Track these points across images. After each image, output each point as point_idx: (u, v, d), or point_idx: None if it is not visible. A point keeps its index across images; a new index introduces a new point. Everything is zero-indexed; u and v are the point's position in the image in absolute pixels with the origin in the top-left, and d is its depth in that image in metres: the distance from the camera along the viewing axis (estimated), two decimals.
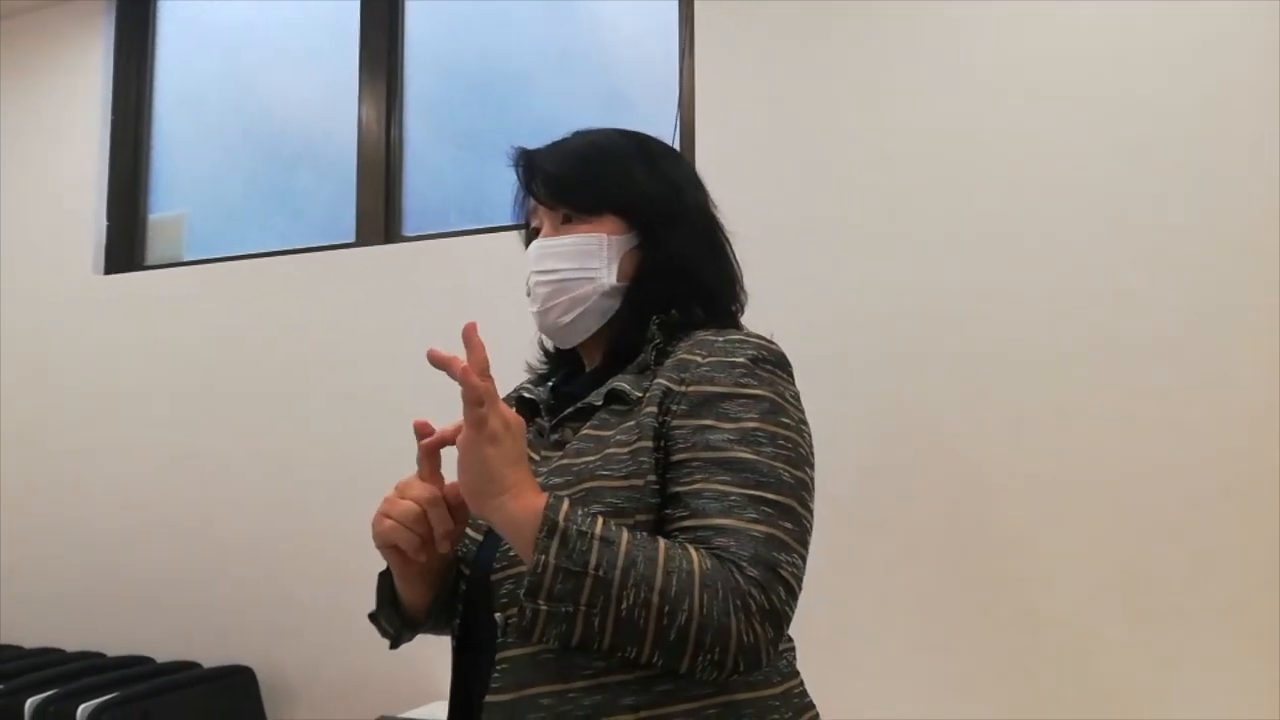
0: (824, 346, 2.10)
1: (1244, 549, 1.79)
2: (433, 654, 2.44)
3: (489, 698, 0.92)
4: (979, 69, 2.08)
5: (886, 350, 2.09)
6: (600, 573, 0.83)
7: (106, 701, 2.26)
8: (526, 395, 1.13)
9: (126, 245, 3.17)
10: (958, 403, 2.02)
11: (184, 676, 2.54)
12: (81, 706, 2.24)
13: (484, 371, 0.86)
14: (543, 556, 0.84)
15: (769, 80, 2.28)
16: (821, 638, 2.11)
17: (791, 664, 1.02)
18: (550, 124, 2.61)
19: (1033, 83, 2.03)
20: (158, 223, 3.21)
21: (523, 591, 0.84)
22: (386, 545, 0.98)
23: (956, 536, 2.00)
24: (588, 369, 1.12)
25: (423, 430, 0.95)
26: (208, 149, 3.18)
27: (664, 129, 2.43)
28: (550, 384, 1.16)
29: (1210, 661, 1.80)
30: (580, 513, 0.87)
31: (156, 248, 3.20)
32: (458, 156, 2.83)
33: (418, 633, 1.09)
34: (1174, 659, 1.82)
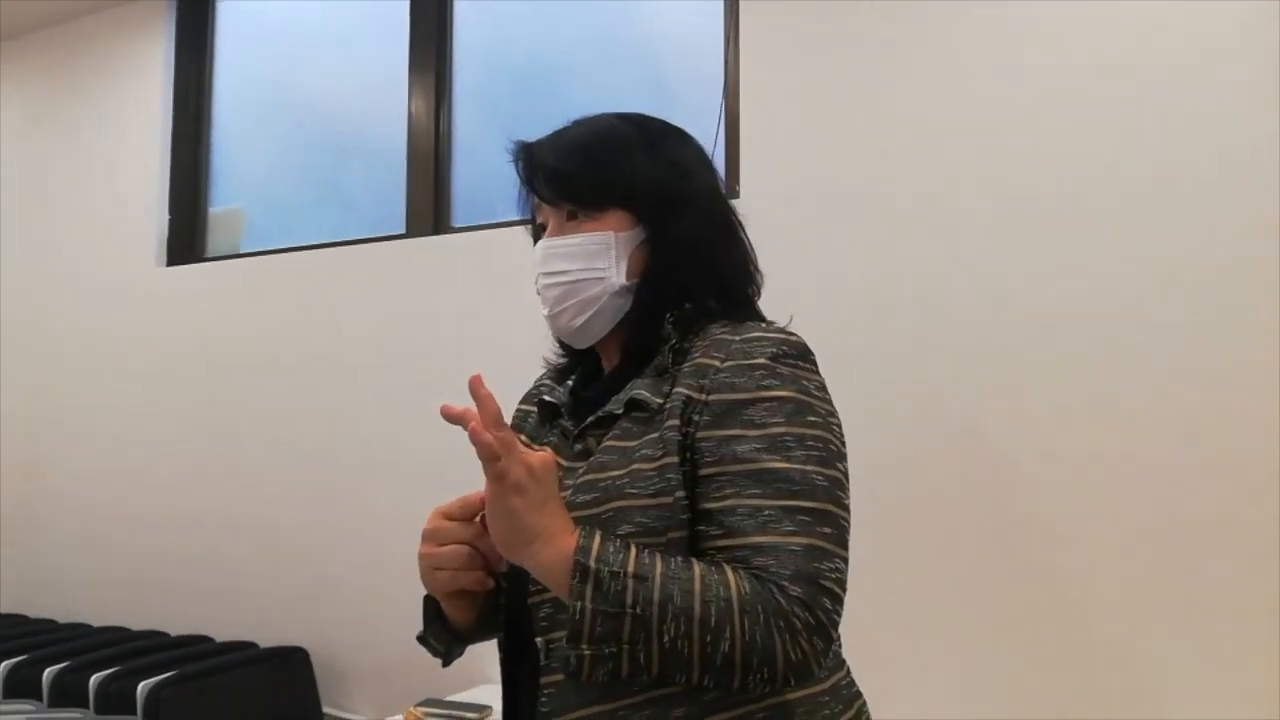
0: (864, 332, 2.08)
1: (1229, 554, 1.75)
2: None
3: None
4: (1023, 49, 2.04)
5: (925, 336, 2.07)
6: (638, 610, 0.83)
7: (165, 679, 2.34)
8: (548, 399, 1.10)
9: (187, 238, 3.26)
10: (998, 391, 1.99)
11: (240, 656, 2.61)
12: (141, 684, 2.32)
13: (497, 423, 0.83)
14: (579, 603, 0.83)
15: (813, 67, 2.26)
16: (858, 633, 2.11)
17: (838, 655, 1.01)
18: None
19: (1078, 59, 1.98)
20: (217, 216, 3.30)
21: (565, 639, 0.85)
22: (449, 593, 0.98)
23: (996, 529, 1.97)
24: (606, 368, 1.09)
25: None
26: (263, 144, 3.26)
27: (709, 117, 2.43)
28: (569, 384, 1.13)
29: (1259, 658, 1.75)
30: (611, 550, 0.86)
31: (216, 240, 3.29)
32: (506, 149, 2.86)
33: (467, 646, 1.08)
34: (1221, 654, 1.78)
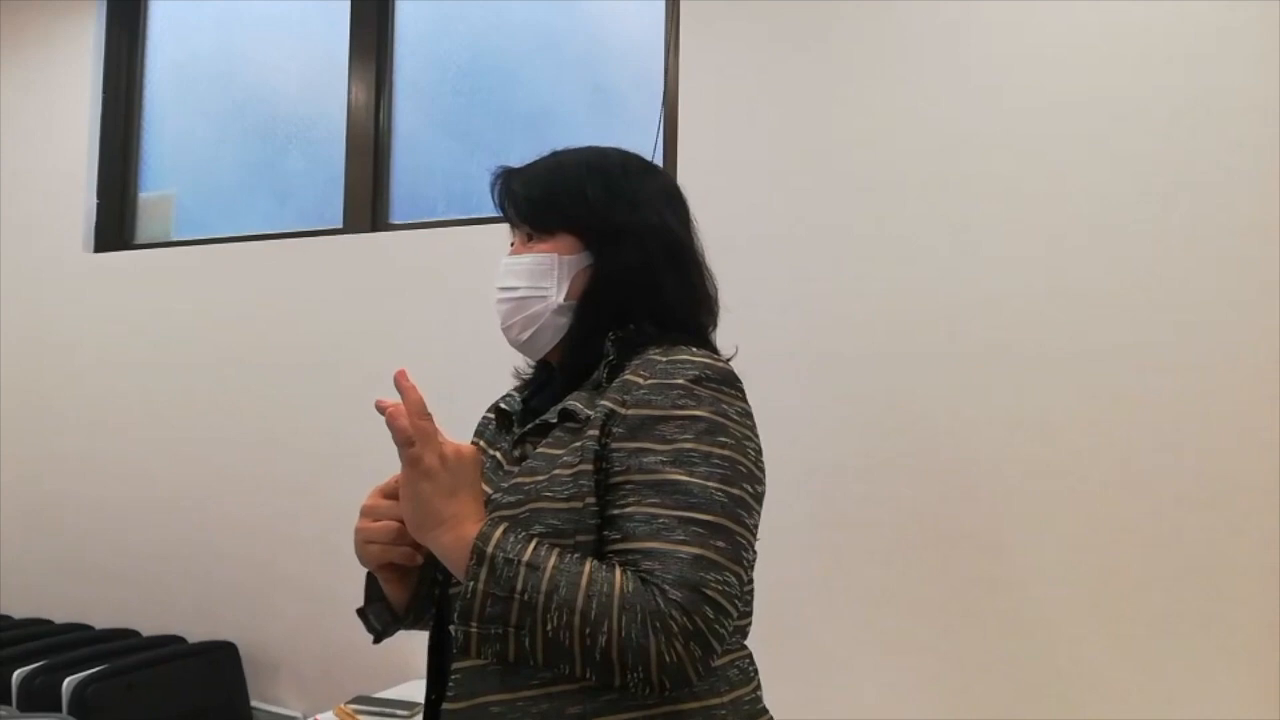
0: (807, 345, 2.14)
1: (1225, 555, 1.85)
2: (407, 636, 2.51)
3: (445, 705, 0.98)
4: (973, 71, 2.11)
5: (871, 350, 2.13)
6: (525, 596, 0.88)
7: (92, 675, 2.31)
8: (503, 407, 1.17)
9: (116, 224, 3.20)
10: (944, 405, 2.06)
11: (168, 651, 2.59)
12: (67, 679, 2.29)
13: (420, 412, 0.91)
14: (472, 583, 0.90)
15: (754, 78, 2.31)
16: (804, 635, 2.18)
17: (745, 671, 1.05)
18: (538, 117, 2.68)
19: (1027, 83, 2.06)
20: (147, 202, 3.24)
21: (455, 616, 0.90)
22: (380, 567, 1.05)
23: (940, 537, 2.05)
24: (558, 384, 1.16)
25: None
26: (197, 129, 3.21)
27: (650, 125, 2.47)
28: (524, 395, 1.19)
29: (1189, 665, 1.86)
30: (511, 539, 0.91)
31: (146, 226, 3.23)
32: (447, 145, 2.86)
33: (398, 629, 1.15)
34: (1152, 663, 1.88)
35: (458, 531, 0.93)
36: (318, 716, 2.21)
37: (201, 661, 2.59)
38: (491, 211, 2.84)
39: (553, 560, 0.91)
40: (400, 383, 0.92)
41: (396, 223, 2.84)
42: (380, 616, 1.11)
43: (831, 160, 2.21)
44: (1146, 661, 1.89)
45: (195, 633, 2.74)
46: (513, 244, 1.16)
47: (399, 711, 2.15)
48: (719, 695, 0.99)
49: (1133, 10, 1.98)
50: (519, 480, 1.00)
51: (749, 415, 1.02)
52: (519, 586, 0.89)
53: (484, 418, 1.23)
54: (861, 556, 2.10)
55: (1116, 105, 1.98)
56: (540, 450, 1.02)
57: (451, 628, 0.98)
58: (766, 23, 2.30)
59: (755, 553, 0.99)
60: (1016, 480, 2.00)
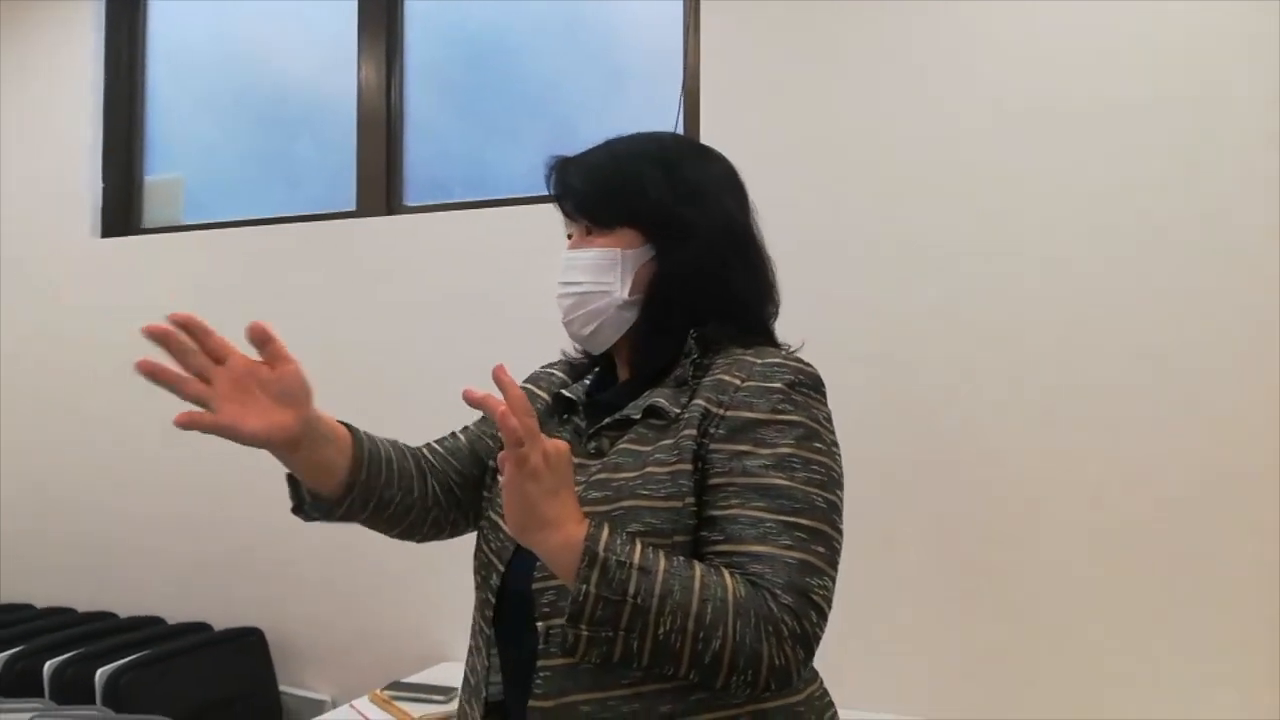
0: (820, 333, 2.14)
1: (1225, 550, 1.89)
2: (436, 620, 2.53)
3: (531, 703, 0.98)
4: (1010, 53, 2.11)
5: (882, 336, 2.15)
6: (639, 600, 0.88)
7: (124, 664, 2.32)
8: (566, 394, 1.16)
9: (123, 208, 3.16)
10: (946, 399, 2.09)
11: (198, 639, 2.60)
12: (100, 670, 2.29)
13: (526, 410, 0.87)
14: (584, 586, 0.88)
15: (777, 59, 2.30)
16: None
17: (813, 668, 1.07)
18: (552, 98, 2.66)
19: (1044, 62, 2.07)
20: (154, 186, 3.20)
21: (565, 618, 0.89)
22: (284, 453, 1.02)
23: (944, 530, 2.09)
24: (620, 375, 1.15)
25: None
26: (204, 111, 3.16)
27: (668, 105, 2.45)
28: (585, 384, 1.19)
29: (1190, 656, 1.90)
30: (619, 541, 0.90)
31: (154, 211, 3.19)
32: (460, 127, 2.84)
33: (337, 516, 1.11)
34: (1152, 653, 1.93)
35: (564, 533, 0.90)
36: (353, 703, 2.23)
37: (230, 648, 2.60)
38: (509, 193, 2.83)
39: (663, 564, 0.90)
40: (500, 378, 0.88)
41: (412, 205, 2.82)
42: (293, 490, 1.11)
43: (860, 145, 2.21)
44: (1146, 653, 1.93)
45: (220, 620, 2.75)
46: (570, 236, 1.15)
47: (435, 697, 2.17)
48: (797, 693, 1.02)
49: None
50: (605, 476, 1.00)
51: (831, 420, 1.04)
52: (631, 590, 0.88)
53: (525, 388, 1.21)
54: (864, 548, 2.13)
55: (1124, 100, 2.00)
56: (624, 446, 1.02)
57: (540, 625, 0.99)
58: (790, 3, 2.28)
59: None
60: (1020, 469, 2.04)
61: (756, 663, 0.89)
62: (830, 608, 0.94)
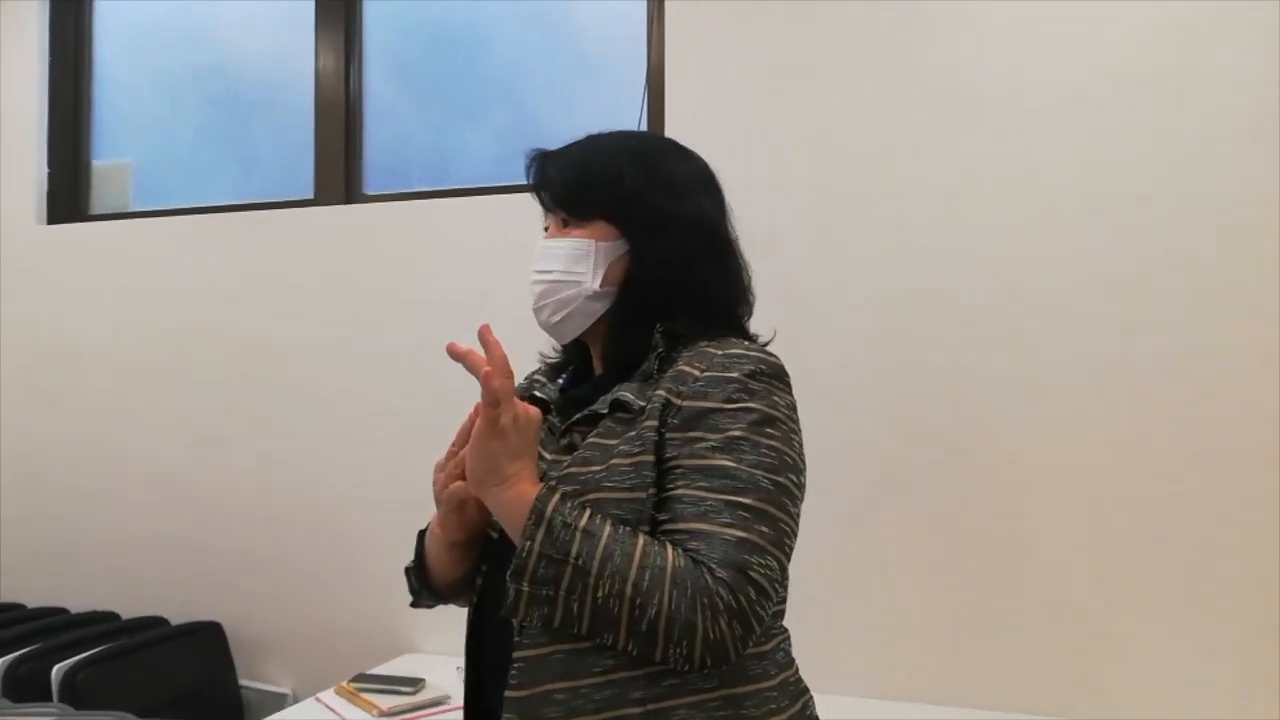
0: (802, 318, 2.17)
1: (1224, 545, 1.94)
2: (396, 608, 2.51)
3: (507, 693, 0.99)
4: (971, 36, 2.15)
5: (869, 324, 2.18)
6: (579, 562, 0.91)
7: (81, 660, 2.28)
8: (538, 395, 1.17)
9: (69, 194, 3.08)
10: (943, 372, 2.13)
11: (154, 633, 2.55)
12: (56, 666, 2.25)
13: (505, 371, 0.94)
14: (529, 543, 0.92)
15: (740, 48, 2.31)
16: (811, 608, 2.24)
17: (787, 653, 1.10)
18: (515, 87, 2.64)
19: (1027, 54, 2.11)
20: (101, 170, 3.12)
21: (508, 575, 0.93)
22: (452, 542, 1.09)
23: (939, 515, 2.13)
24: (596, 372, 1.17)
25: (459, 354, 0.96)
26: (154, 93, 3.09)
27: (633, 89, 2.45)
28: (560, 382, 1.21)
29: (1190, 652, 1.96)
30: (569, 506, 0.94)
31: (101, 197, 3.11)
32: (420, 114, 2.81)
33: (440, 602, 1.18)
34: (1152, 646, 1.99)
35: (517, 491, 0.96)
36: (319, 695, 2.21)
37: (188, 642, 2.56)
38: (469, 181, 2.80)
39: (607, 530, 0.94)
40: (485, 337, 0.94)
41: (371, 194, 2.79)
42: (417, 577, 1.16)
43: (826, 127, 2.23)
44: (1147, 634, 1.99)
45: (176, 614, 2.70)
46: (547, 227, 1.17)
47: (403, 688, 2.17)
48: (770, 678, 1.04)
49: None
50: (573, 470, 1.02)
51: (795, 409, 1.06)
52: (574, 551, 0.92)
53: None
54: (861, 530, 2.17)
55: (1115, 88, 2.05)
56: (592, 440, 1.04)
57: (513, 619, 0.99)
58: None
59: (795, 540, 1.02)
60: (1012, 450, 2.09)
61: (691, 634, 0.91)
62: (775, 587, 0.96)
